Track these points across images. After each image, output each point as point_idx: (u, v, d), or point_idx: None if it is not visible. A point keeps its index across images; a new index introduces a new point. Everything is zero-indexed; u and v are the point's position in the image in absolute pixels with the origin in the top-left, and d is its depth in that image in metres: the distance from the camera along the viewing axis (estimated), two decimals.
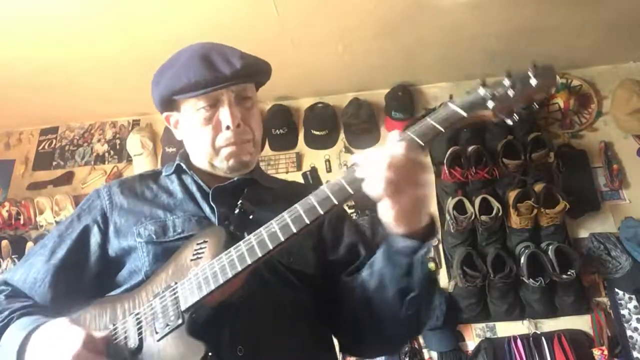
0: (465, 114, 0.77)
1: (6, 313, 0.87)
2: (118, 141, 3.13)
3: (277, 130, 2.89)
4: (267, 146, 2.94)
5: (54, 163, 3.12)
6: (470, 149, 2.60)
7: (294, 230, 0.74)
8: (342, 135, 2.91)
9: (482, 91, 0.79)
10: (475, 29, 2.37)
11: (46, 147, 3.18)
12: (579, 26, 2.41)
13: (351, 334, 0.94)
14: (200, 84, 0.93)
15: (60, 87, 2.68)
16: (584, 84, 2.85)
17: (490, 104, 0.77)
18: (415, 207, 0.73)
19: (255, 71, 1.00)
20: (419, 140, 0.75)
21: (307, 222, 0.74)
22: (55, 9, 2.04)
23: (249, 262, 0.75)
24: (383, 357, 2.40)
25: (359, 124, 2.82)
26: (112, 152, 3.11)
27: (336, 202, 0.74)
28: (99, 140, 3.16)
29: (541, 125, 2.77)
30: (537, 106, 0.80)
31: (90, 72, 2.52)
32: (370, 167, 0.72)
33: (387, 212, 0.74)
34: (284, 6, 2.12)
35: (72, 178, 3.06)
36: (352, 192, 0.74)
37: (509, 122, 0.80)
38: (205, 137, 0.98)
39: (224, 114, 0.96)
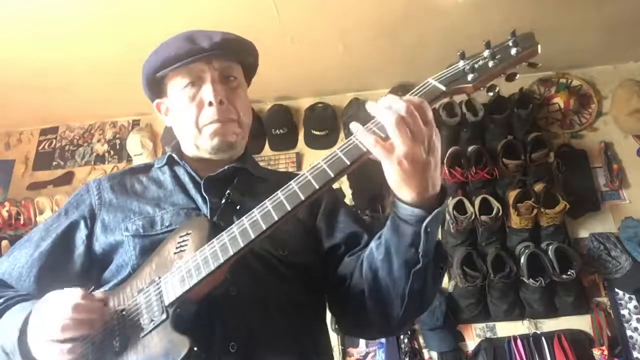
0: (444, 88, 0.74)
1: (1, 300, 0.87)
2: (118, 141, 3.13)
3: (277, 130, 2.88)
4: (267, 146, 2.94)
5: (54, 163, 3.12)
6: (470, 149, 2.60)
7: (276, 218, 0.72)
8: (342, 135, 2.91)
9: (461, 64, 0.76)
10: (475, 29, 2.37)
11: (46, 147, 3.18)
12: (579, 26, 2.41)
13: (354, 313, 0.91)
14: (180, 56, 0.94)
15: (60, 87, 2.68)
16: (584, 84, 2.85)
17: (470, 76, 0.74)
18: (421, 169, 0.69)
19: (235, 47, 0.99)
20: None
21: (289, 208, 0.72)
22: (55, 9, 2.04)
23: (232, 252, 0.74)
24: (383, 357, 2.40)
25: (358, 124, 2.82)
26: (112, 152, 3.11)
27: (317, 187, 0.72)
28: (99, 140, 3.16)
29: (541, 125, 2.77)
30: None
31: (90, 72, 2.52)
32: (379, 112, 0.70)
33: (391, 169, 0.70)
34: (284, 6, 2.12)
35: (72, 178, 3.06)
36: (332, 176, 0.72)
37: (489, 94, 0.77)
38: (190, 115, 0.97)
39: (206, 90, 0.96)
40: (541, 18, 2.31)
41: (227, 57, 0.98)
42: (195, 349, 0.71)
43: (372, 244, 0.85)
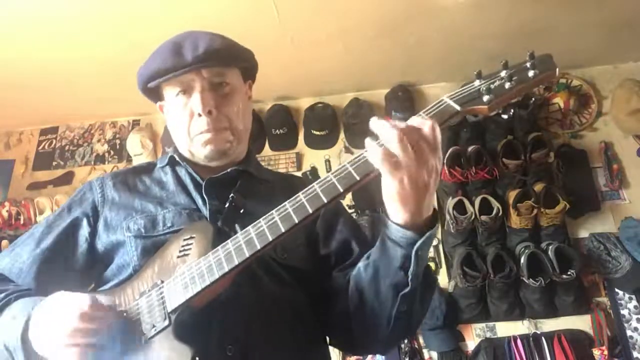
0: (459, 108, 0.73)
1: (2, 295, 0.86)
2: (118, 141, 3.13)
3: (277, 130, 2.89)
4: (267, 146, 2.94)
5: (54, 163, 3.12)
6: (470, 149, 2.60)
7: (282, 230, 0.72)
8: (342, 135, 2.91)
9: (477, 83, 0.75)
10: (476, 29, 2.37)
11: (46, 147, 3.18)
12: (579, 26, 2.41)
13: (341, 330, 0.90)
14: (164, 70, 0.94)
15: (60, 87, 2.68)
16: (584, 84, 2.85)
17: (486, 97, 0.73)
18: (422, 190, 0.68)
19: (222, 55, 0.96)
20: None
21: (296, 221, 0.71)
22: (55, 9, 2.04)
23: (237, 262, 0.73)
24: (383, 358, 2.40)
25: (359, 124, 2.82)
26: (112, 152, 3.11)
27: (325, 201, 0.71)
28: (99, 140, 3.16)
29: (541, 125, 2.77)
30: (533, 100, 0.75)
31: (90, 72, 2.52)
32: (388, 129, 0.68)
33: (391, 186, 0.69)
34: (284, 6, 2.12)
35: (72, 178, 3.06)
36: (342, 190, 0.71)
37: (504, 116, 0.77)
38: (182, 124, 0.98)
39: (195, 100, 0.95)
40: (541, 18, 2.31)
41: (210, 65, 0.95)
42: (197, 359, 0.70)
43: (360, 264, 0.85)
